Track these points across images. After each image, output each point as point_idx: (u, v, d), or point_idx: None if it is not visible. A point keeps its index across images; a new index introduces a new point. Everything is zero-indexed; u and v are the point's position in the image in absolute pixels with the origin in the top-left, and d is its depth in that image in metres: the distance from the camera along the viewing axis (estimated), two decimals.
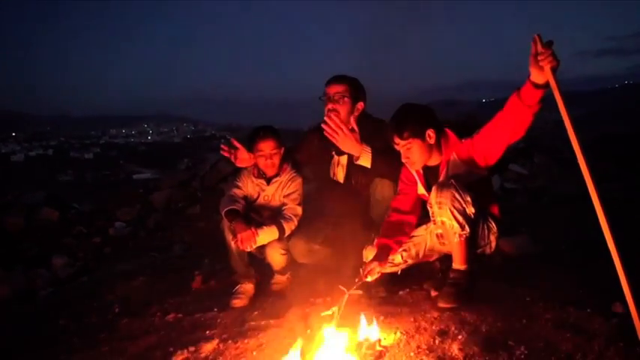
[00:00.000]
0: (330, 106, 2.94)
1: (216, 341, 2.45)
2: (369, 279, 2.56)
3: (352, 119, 2.96)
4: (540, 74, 2.07)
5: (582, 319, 2.24)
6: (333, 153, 3.11)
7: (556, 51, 1.98)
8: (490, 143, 2.48)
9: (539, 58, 1.99)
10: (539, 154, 8.12)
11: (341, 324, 2.31)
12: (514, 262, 3.22)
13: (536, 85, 2.14)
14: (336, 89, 2.95)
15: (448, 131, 2.63)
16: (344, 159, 3.07)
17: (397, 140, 2.56)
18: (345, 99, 2.93)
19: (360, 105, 3.00)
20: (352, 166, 3.01)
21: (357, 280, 2.54)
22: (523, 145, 8.20)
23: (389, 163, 2.81)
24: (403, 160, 2.62)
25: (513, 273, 2.95)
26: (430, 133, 2.54)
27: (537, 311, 2.37)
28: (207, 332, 2.59)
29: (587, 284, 2.63)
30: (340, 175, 3.11)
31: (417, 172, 2.70)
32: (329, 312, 2.39)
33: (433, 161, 2.64)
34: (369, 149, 2.85)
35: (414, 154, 2.56)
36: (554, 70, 1.98)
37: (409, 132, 2.52)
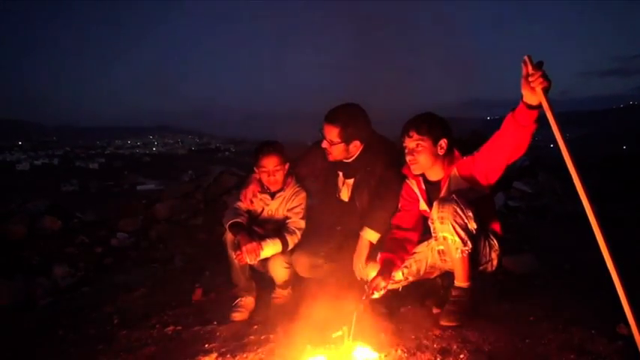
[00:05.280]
0: (323, 144, 2.96)
1: (214, 355, 2.43)
2: (376, 295, 2.53)
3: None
4: (532, 95, 2.06)
5: (586, 340, 2.22)
6: (340, 174, 3.11)
7: (547, 72, 1.97)
8: (490, 162, 2.48)
9: (530, 79, 1.99)
10: (543, 172, 8.08)
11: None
12: (517, 280, 3.19)
13: (530, 106, 2.13)
14: (328, 133, 2.92)
15: (453, 148, 2.63)
16: (350, 180, 3.07)
17: (412, 133, 2.54)
18: (336, 146, 2.92)
19: (356, 144, 2.94)
20: (357, 187, 3.01)
21: (363, 297, 2.51)
22: (527, 163, 8.18)
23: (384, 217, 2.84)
24: (407, 159, 2.60)
25: (517, 292, 2.93)
26: (442, 144, 2.54)
27: (541, 331, 2.35)
28: (206, 345, 2.56)
29: (591, 304, 2.61)
30: (345, 194, 3.11)
31: (419, 187, 2.69)
32: (339, 333, 2.38)
33: (435, 176, 2.64)
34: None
35: (420, 154, 2.54)
36: (545, 91, 1.98)
37: (427, 129, 2.52)
